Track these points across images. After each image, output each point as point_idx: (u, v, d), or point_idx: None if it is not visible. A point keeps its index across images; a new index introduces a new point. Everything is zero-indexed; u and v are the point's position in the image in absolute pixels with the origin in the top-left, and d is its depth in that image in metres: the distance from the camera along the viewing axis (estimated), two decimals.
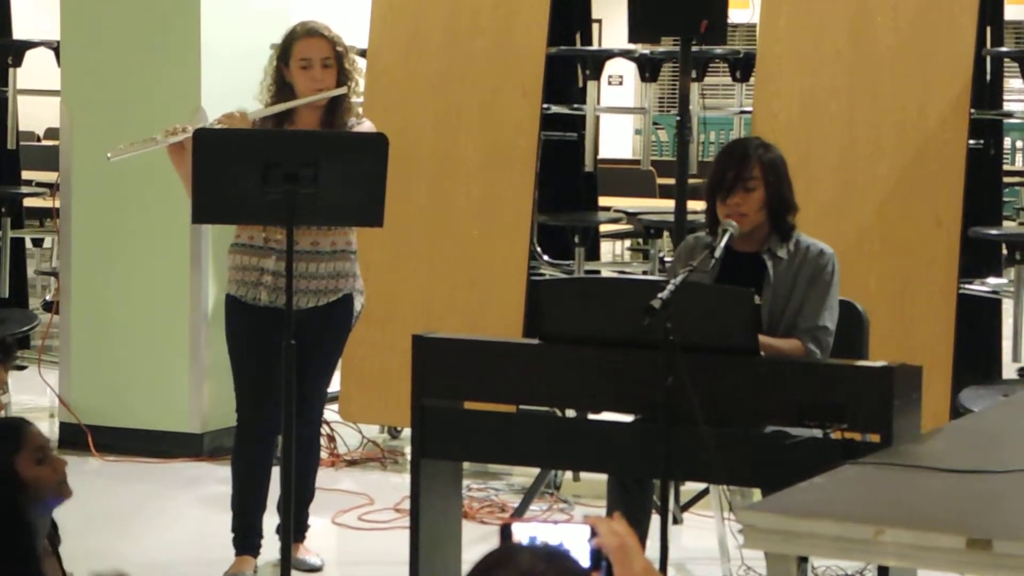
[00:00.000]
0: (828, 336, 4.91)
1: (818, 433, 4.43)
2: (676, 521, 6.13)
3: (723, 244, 4.76)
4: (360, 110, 5.55)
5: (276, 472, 5.40)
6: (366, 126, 5.45)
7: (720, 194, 4.92)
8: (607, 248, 11.58)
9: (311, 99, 5.35)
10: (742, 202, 4.91)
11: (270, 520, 5.51)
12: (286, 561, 4.94)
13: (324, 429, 7.11)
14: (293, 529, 5.14)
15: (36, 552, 3.79)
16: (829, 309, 4.93)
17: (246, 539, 5.53)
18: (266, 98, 5.44)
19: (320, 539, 5.88)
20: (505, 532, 2.23)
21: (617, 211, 8.78)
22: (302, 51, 5.38)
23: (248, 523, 5.52)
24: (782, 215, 4.98)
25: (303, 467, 5.42)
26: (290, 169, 4.79)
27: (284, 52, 5.42)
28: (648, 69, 7.77)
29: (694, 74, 7.10)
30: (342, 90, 5.37)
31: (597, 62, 7.73)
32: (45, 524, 3.88)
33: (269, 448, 5.53)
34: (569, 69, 7.81)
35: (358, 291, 5.53)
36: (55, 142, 9.36)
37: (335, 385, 7.31)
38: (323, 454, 6.98)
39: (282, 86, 5.41)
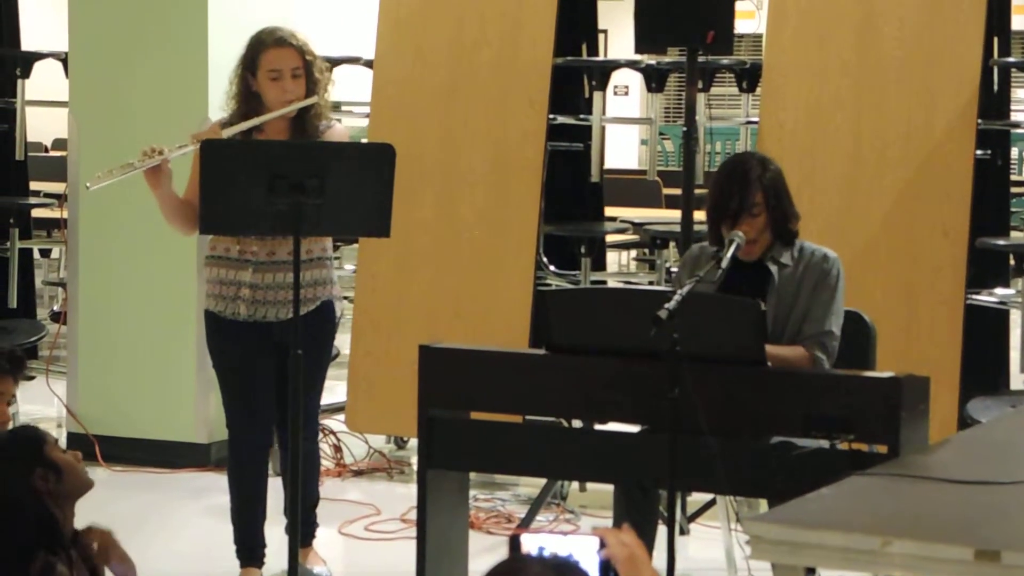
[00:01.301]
0: (834, 341, 4.91)
1: (825, 444, 4.43)
2: (683, 532, 6.12)
3: (730, 254, 4.76)
4: (331, 115, 5.49)
5: (279, 481, 5.41)
6: (337, 130, 5.40)
7: (725, 223, 4.91)
8: (613, 258, 11.58)
9: (283, 111, 5.28)
10: (748, 229, 4.90)
11: (275, 529, 5.51)
12: (293, 571, 4.95)
13: (331, 439, 7.12)
14: (301, 533, 5.15)
15: (63, 544, 3.83)
16: (835, 314, 4.92)
17: (249, 551, 5.52)
18: (232, 107, 5.37)
19: (327, 549, 5.87)
20: (514, 543, 2.23)
21: (623, 221, 8.78)
22: (271, 62, 5.30)
23: (249, 535, 5.52)
24: (784, 225, 4.98)
25: (304, 479, 5.40)
26: (297, 180, 4.79)
27: (251, 62, 5.33)
28: (654, 79, 7.78)
29: (700, 84, 7.10)
30: (313, 100, 5.31)
31: (603, 72, 7.73)
32: (70, 520, 3.92)
33: (263, 461, 5.52)
34: (575, 79, 7.81)
35: (337, 297, 5.52)
36: (63, 153, 9.39)
37: (341, 395, 7.33)
38: (330, 464, 6.99)
39: (249, 96, 5.33)
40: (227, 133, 5.26)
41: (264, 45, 5.34)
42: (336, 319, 5.52)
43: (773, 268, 4.96)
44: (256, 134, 5.34)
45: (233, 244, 5.34)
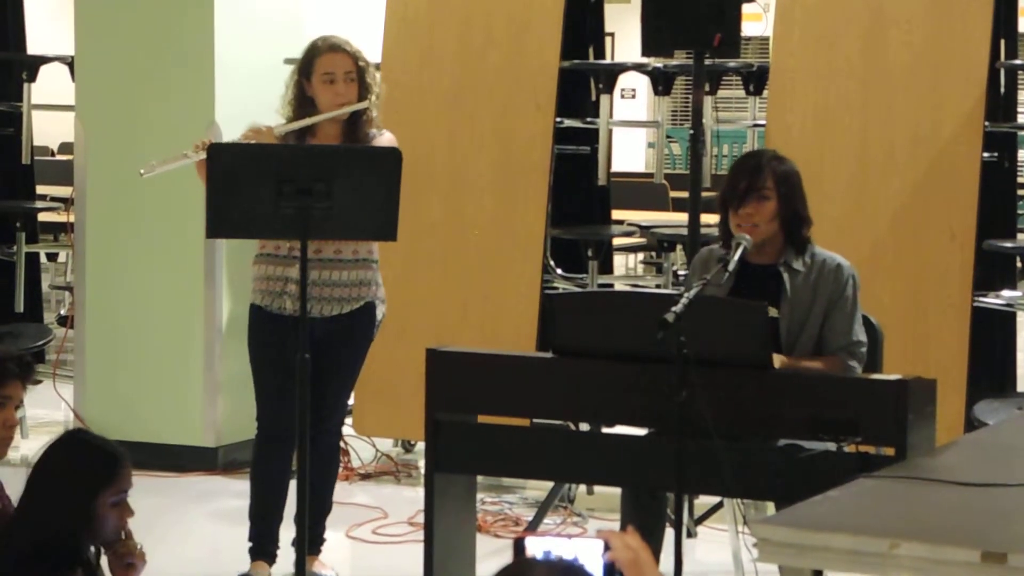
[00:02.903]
0: (863, 348, 4.93)
1: (832, 446, 4.43)
2: (690, 534, 6.12)
3: (737, 258, 4.76)
4: (380, 122, 5.58)
5: (294, 484, 5.41)
6: (386, 137, 5.49)
7: (733, 204, 4.92)
8: (620, 262, 11.58)
9: (334, 114, 5.38)
10: (754, 212, 4.91)
11: (287, 533, 5.51)
12: (300, 573, 4.95)
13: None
14: (308, 542, 5.17)
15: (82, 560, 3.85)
16: (858, 322, 4.94)
17: (262, 546, 5.55)
18: (288, 112, 5.47)
19: (334, 553, 5.87)
20: (519, 546, 2.22)
21: (630, 224, 8.78)
22: (325, 66, 5.41)
23: (265, 531, 5.55)
24: (796, 228, 4.97)
25: (322, 478, 5.43)
26: (304, 184, 4.82)
27: (306, 67, 5.45)
28: (661, 82, 7.77)
29: (707, 87, 7.10)
30: (364, 104, 5.41)
31: (610, 76, 7.73)
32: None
33: (288, 457, 5.55)
34: (582, 83, 7.81)
35: (380, 299, 5.57)
36: (69, 157, 9.38)
37: (349, 399, 7.33)
38: None
39: (304, 100, 5.44)
40: (278, 132, 5.34)
41: (319, 50, 5.46)
42: (377, 321, 5.55)
43: (785, 274, 4.96)
44: (309, 138, 5.41)
45: (283, 242, 5.39)
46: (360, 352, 5.58)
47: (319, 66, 5.42)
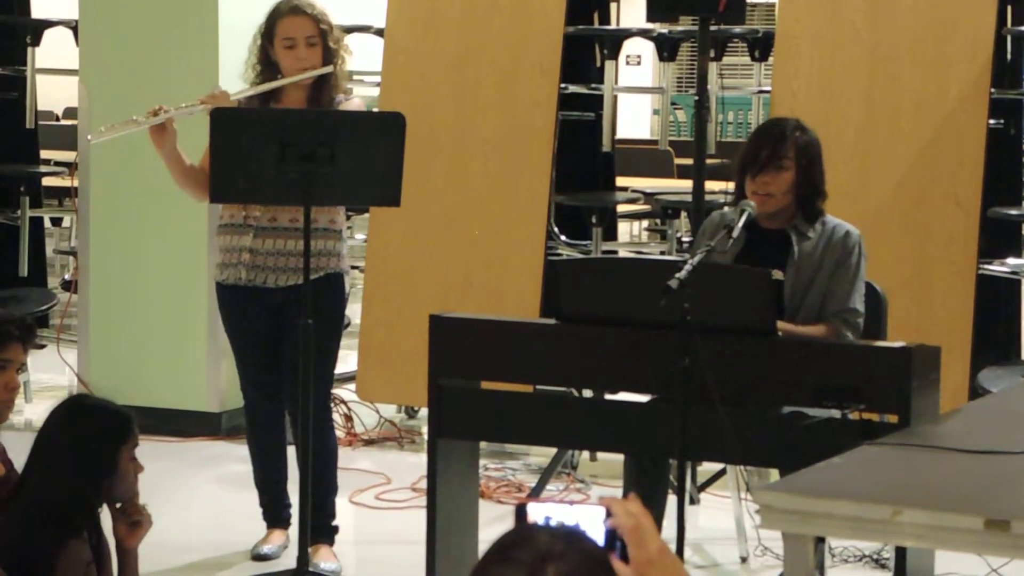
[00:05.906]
0: (860, 318, 4.90)
1: (836, 414, 4.42)
2: (693, 501, 6.12)
3: (741, 224, 4.74)
4: (349, 86, 5.50)
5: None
6: (354, 103, 5.39)
7: (751, 170, 4.89)
8: (624, 228, 11.56)
9: (296, 79, 5.28)
10: (771, 181, 4.88)
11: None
12: (303, 547, 4.96)
13: (342, 409, 7.13)
14: (318, 529, 5.18)
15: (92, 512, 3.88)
16: (858, 292, 4.91)
17: (274, 512, 5.56)
18: (251, 76, 5.38)
19: (337, 519, 5.87)
20: (520, 512, 2.22)
21: (635, 191, 8.77)
22: (286, 30, 5.30)
23: (273, 498, 5.55)
24: (810, 199, 4.95)
25: (315, 463, 5.26)
26: (307, 148, 4.79)
27: (268, 31, 5.34)
28: (666, 49, 7.75)
29: (712, 54, 7.08)
30: (327, 69, 5.31)
31: (615, 41, 7.71)
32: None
33: (276, 424, 5.52)
34: (587, 49, 7.79)
35: (345, 271, 5.43)
36: (73, 121, 9.37)
37: (352, 365, 7.33)
38: (341, 433, 6.99)
39: (267, 64, 5.35)
40: (235, 96, 5.26)
41: (280, 14, 5.36)
42: (344, 293, 5.48)
43: (794, 237, 4.94)
44: (273, 103, 5.35)
45: (238, 210, 5.34)
46: (328, 325, 5.28)
47: (280, 30, 5.30)
